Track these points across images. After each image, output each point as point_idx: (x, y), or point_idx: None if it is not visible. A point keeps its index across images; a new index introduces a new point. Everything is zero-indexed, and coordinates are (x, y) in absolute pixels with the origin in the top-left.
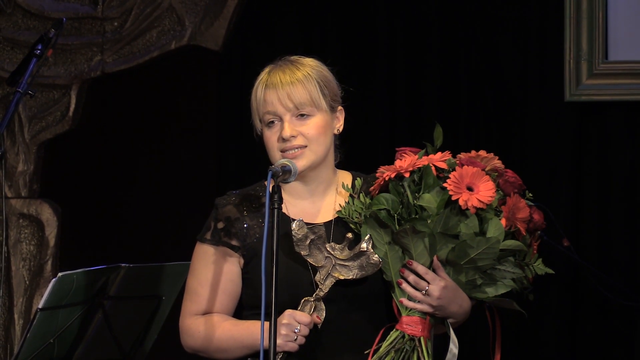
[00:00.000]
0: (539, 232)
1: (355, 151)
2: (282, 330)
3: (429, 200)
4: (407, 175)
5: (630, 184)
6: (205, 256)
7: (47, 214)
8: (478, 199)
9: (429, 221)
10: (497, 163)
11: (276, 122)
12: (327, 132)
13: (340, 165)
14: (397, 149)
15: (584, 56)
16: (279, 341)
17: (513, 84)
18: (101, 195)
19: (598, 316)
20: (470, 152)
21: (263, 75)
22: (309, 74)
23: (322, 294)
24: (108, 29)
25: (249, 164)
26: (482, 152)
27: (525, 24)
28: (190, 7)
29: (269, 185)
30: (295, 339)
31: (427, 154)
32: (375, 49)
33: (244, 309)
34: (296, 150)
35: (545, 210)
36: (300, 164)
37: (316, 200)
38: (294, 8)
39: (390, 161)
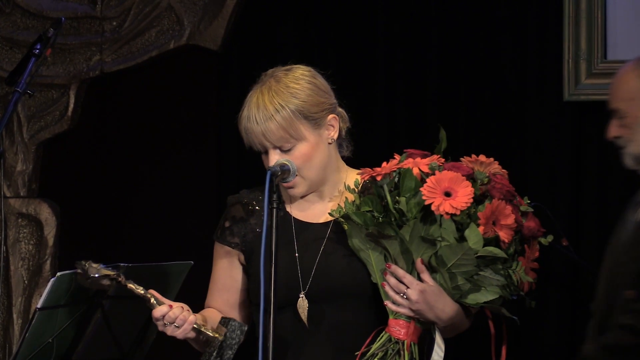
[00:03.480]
0: (539, 240)
1: (354, 151)
2: (168, 333)
3: (403, 204)
4: (379, 178)
5: (630, 184)
6: (215, 253)
7: (46, 214)
8: (451, 205)
9: (408, 224)
10: (496, 168)
11: (262, 150)
12: (315, 155)
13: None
14: (405, 150)
15: (582, 55)
16: (179, 337)
17: (512, 83)
18: (100, 195)
19: None
20: (470, 155)
21: (245, 103)
22: (281, 105)
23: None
24: (107, 29)
25: (249, 165)
26: (482, 157)
27: (525, 24)
28: (189, 6)
29: (268, 185)
30: (177, 326)
31: (433, 155)
32: (374, 49)
33: (251, 304)
34: (288, 181)
35: (544, 210)
36: (296, 192)
37: (320, 200)
38: (294, 8)
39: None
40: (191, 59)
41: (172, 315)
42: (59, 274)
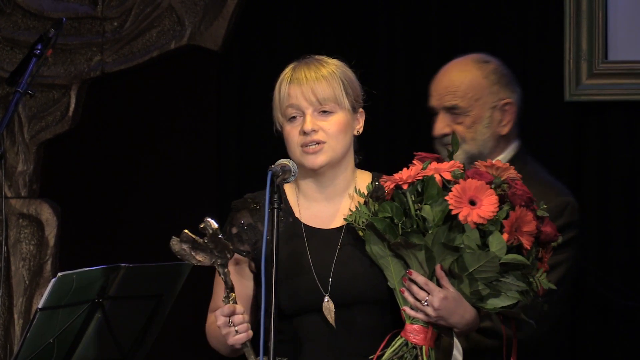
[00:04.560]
0: (554, 244)
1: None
2: (223, 331)
3: (428, 212)
4: (405, 187)
5: (630, 184)
6: None
7: (46, 214)
8: (478, 215)
9: (430, 232)
10: (512, 173)
11: (298, 116)
12: (347, 131)
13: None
14: (415, 153)
15: (583, 56)
16: (229, 340)
17: None
18: (101, 195)
19: (598, 316)
20: (486, 160)
21: (287, 71)
22: (333, 72)
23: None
24: (108, 29)
25: (249, 164)
26: (498, 162)
27: (525, 24)
28: (189, 7)
29: (269, 185)
30: (237, 331)
31: (439, 160)
32: (375, 49)
33: (258, 309)
34: (316, 145)
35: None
36: (319, 159)
37: (330, 204)
38: (294, 8)
39: (390, 161)
40: (192, 60)
41: (240, 320)
42: (60, 274)
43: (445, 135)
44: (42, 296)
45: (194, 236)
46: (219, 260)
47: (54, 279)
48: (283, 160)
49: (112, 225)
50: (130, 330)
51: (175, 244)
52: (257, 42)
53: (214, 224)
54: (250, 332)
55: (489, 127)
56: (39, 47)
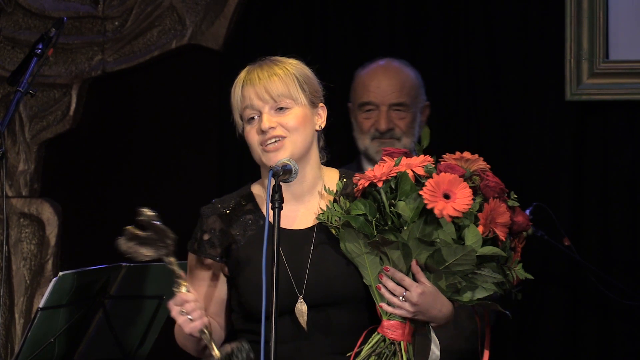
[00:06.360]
0: (525, 233)
1: (354, 145)
2: (179, 321)
3: (403, 208)
4: (380, 184)
5: (631, 183)
6: (191, 264)
7: (47, 214)
8: (454, 208)
9: (405, 228)
10: (481, 164)
11: (256, 117)
12: (307, 125)
13: (337, 159)
14: (382, 149)
15: (584, 55)
16: (185, 330)
17: (513, 83)
18: (102, 195)
19: (598, 316)
20: (454, 153)
21: (241, 74)
22: (287, 69)
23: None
24: (109, 28)
25: (249, 164)
26: (467, 154)
27: (526, 23)
28: (191, 6)
29: (270, 185)
30: (192, 319)
31: (407, 155)
32: (376, 50)
33: (232, 312)
34: (276, 142)
35: (546, 210)
36: (280, 155)
37: (298, 204)
38: (295, 7)
39: None
40: (193, 59)
41: (193, 307)
42: (61, 273)
43: (390, 130)
44: (43, 296)
45: (137, 231)
46: (163, 251)
47: (54, 279)
48: (284, 160)
49: (112, 225)
50: (132, 329)
51: (122, 243)
52: (258, 41)
53: (149, 212)
54: (206, 319)
55: (418, 126)
56: (40, 46)
